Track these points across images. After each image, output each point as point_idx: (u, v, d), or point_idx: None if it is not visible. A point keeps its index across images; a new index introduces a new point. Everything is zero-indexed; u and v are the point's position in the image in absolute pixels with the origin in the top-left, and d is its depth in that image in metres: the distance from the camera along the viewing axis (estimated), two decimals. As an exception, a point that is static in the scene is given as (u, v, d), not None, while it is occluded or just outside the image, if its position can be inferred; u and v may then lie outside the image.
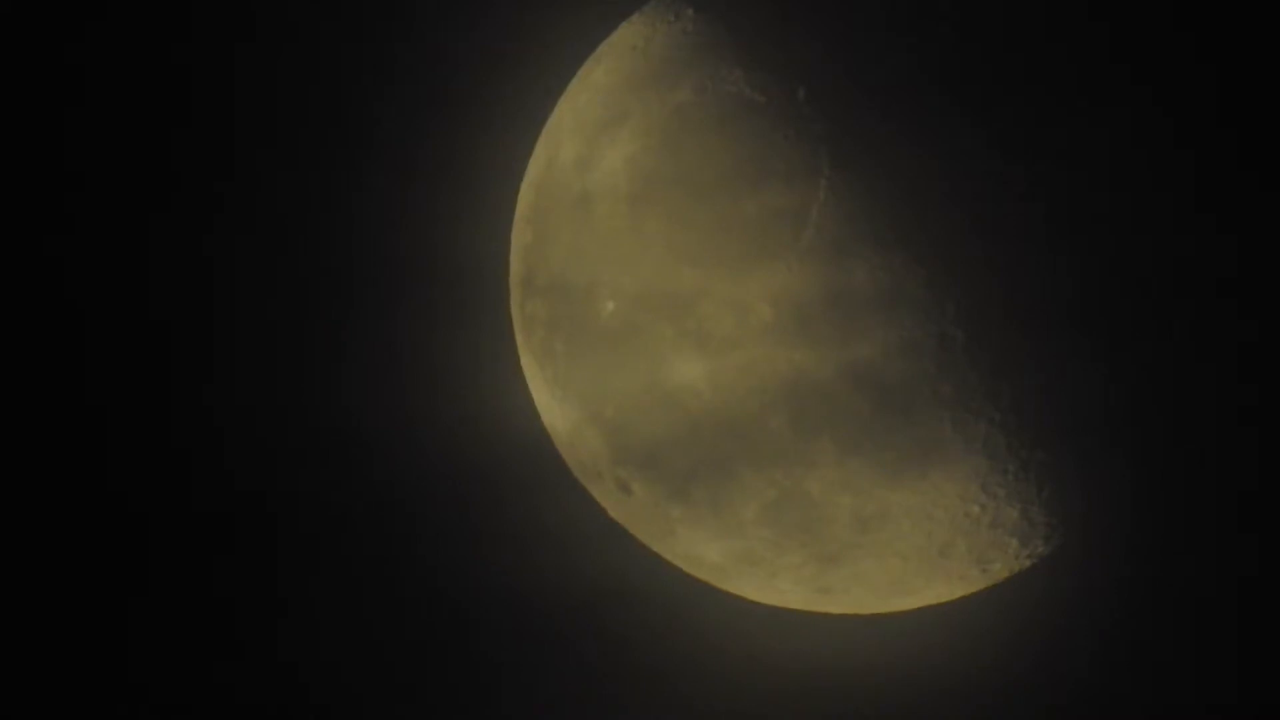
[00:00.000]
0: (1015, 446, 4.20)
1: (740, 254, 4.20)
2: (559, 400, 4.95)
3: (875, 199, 4.08)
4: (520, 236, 5.11)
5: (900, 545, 4.45)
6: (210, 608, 6.49)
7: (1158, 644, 5.39)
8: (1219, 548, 4.91)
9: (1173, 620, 5.34)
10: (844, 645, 5.63)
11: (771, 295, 4.16)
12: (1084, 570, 4.65)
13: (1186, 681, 5.47)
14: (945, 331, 4.07)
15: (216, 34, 6.61)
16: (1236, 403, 4.44)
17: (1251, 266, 4.36)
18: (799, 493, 4.37)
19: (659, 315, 4.36)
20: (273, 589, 6.52)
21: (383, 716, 6.45)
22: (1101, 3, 4.42)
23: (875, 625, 5.25)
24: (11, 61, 6.67)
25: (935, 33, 4.27)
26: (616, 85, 4.73)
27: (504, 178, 5.46)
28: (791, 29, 4.40)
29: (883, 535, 4.42)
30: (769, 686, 5.92)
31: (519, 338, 5.23)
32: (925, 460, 4.21)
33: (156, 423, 6.65)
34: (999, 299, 4.07)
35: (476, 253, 5.98)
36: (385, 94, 6.64)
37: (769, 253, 4.16)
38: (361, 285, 6.52)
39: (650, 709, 6.06)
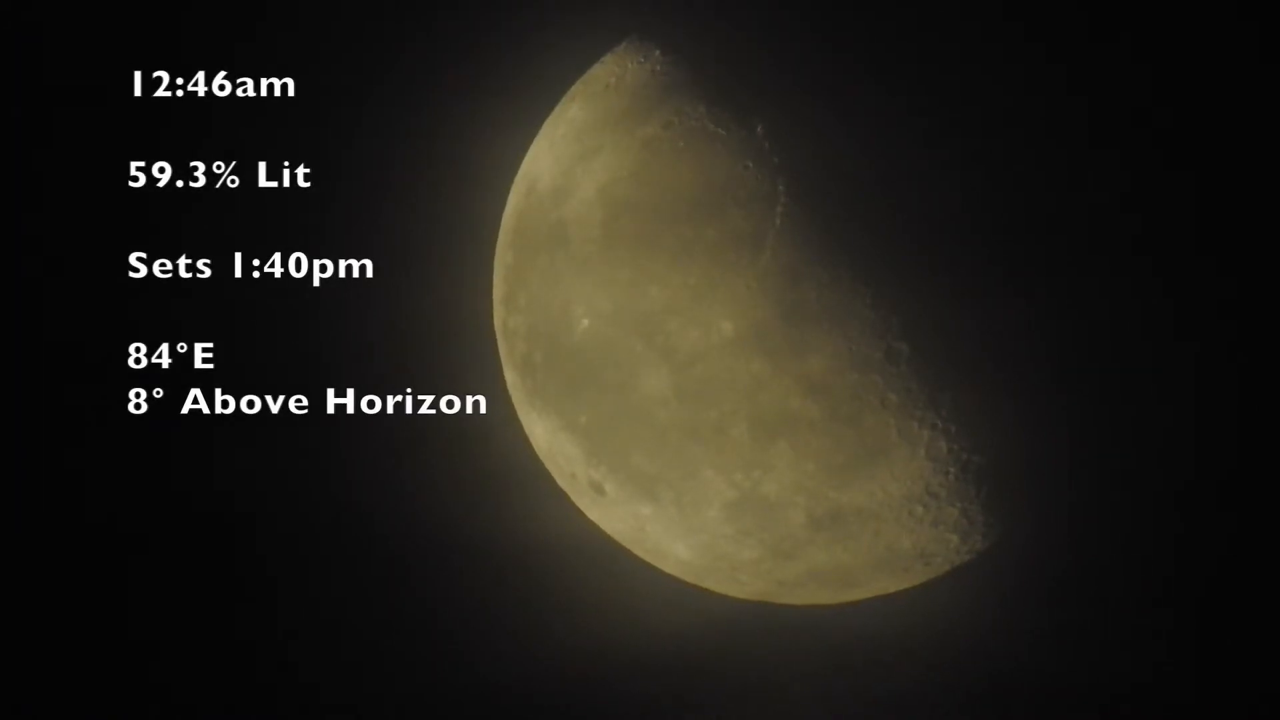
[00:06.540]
0: (955, 451, 4.35)
1: (703, 275, 4.34)
2: (538, 409, 5.06)
3: (826, 225, 4.24)
4: (503, 258, 5.21)
5: (850, 543, 4.61)
6: (214, 665, 6.31)
7: (1087, 633, 5.51)
8: (1150, 547, 4.99)
9: (1101, 610, 5.44)
10: (798, 634, 5.75)
11: (732, 312, 4.32)
12: (1018, 563, 4.73)
13: (1112, 665, 5.56)
14: (891, 346, 4.24)
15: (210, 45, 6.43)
16: (1173, 409, 4.53)
17: (1193, 274, 4.44)
18: (757, 495, 4.54)
19: (629, 331, 4.49)
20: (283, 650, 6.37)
21: None
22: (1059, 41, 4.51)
23: (826, 615, 5.39)
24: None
25: (889, 70, 4.38)
26: (590, 120, 4.84)
27: (488, 205, 5.53)
28: (751, 69, 4.52)
29: (833, 533, 4.59)
30: (726, 675, 5.96)
31: (502, 351, 5.32)
32: (873, 463, 4.38)
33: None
34: (940, 314, 4.22)
35: (462, 275, 6.06)
36: (379, 113, 6.62)
37: (730, 273, 4.32)
38: (355, 308, 6.48)
39: (614, 700, 6.06)
